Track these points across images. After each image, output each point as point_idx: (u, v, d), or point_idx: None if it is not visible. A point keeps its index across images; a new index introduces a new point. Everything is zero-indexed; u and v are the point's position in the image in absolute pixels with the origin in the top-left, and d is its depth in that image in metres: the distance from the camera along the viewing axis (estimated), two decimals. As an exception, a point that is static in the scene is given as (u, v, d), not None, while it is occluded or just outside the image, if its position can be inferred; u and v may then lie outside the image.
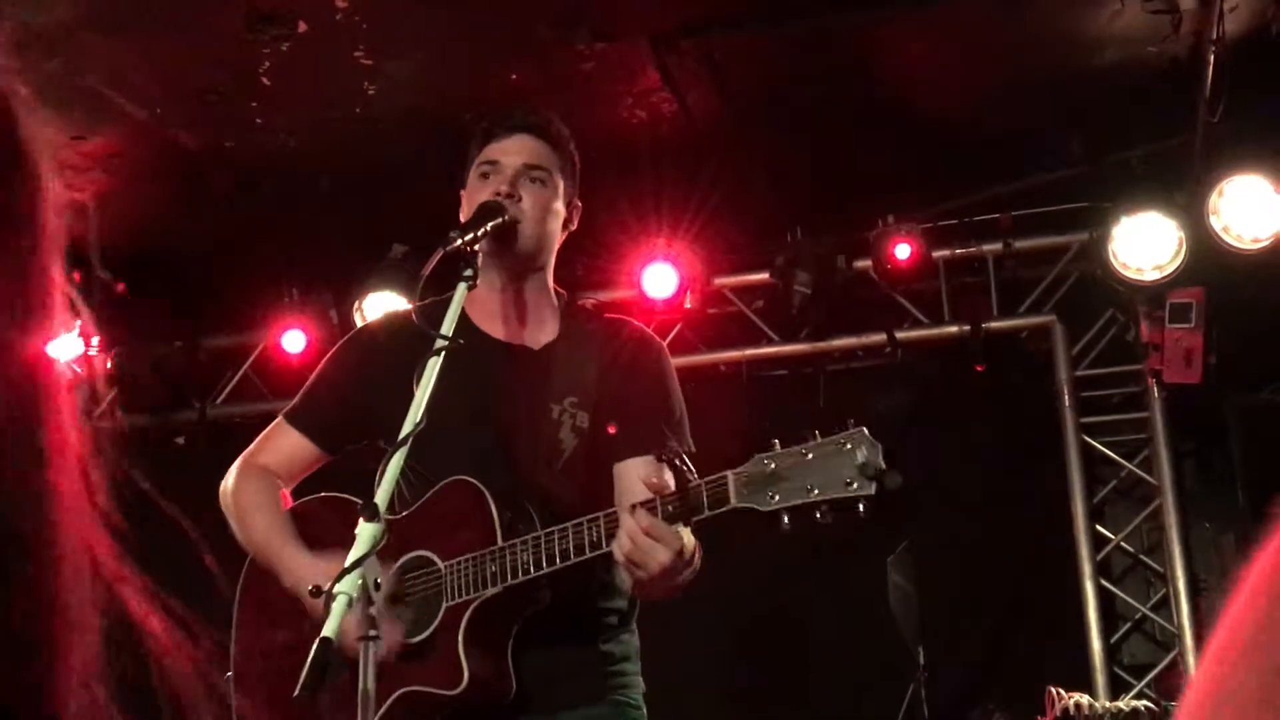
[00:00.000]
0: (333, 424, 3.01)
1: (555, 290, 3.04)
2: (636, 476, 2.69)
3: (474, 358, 2.82)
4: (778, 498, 2.27)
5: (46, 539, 0.66)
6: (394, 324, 3.05)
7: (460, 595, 2.66)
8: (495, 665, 2.67)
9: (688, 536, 2.49)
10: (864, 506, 2.26)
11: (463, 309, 2.87)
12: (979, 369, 6.35)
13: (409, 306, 3.36)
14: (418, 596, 2.72)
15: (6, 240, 0.66)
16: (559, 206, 2.96)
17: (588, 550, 2.54)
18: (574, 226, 3.05)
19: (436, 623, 2.67)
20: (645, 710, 2.92)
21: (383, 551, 2.76)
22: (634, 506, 2.46)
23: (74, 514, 0.69)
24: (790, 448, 2.30)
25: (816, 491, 2.24)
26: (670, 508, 2.42)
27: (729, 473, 2.35)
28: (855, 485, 2.23)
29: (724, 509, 2.36)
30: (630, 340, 2.98)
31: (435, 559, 2.73)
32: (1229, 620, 0.60)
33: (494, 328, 2.98)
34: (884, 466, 2.24)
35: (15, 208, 0.66)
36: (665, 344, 3.11)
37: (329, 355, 3.12)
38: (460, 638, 2.62)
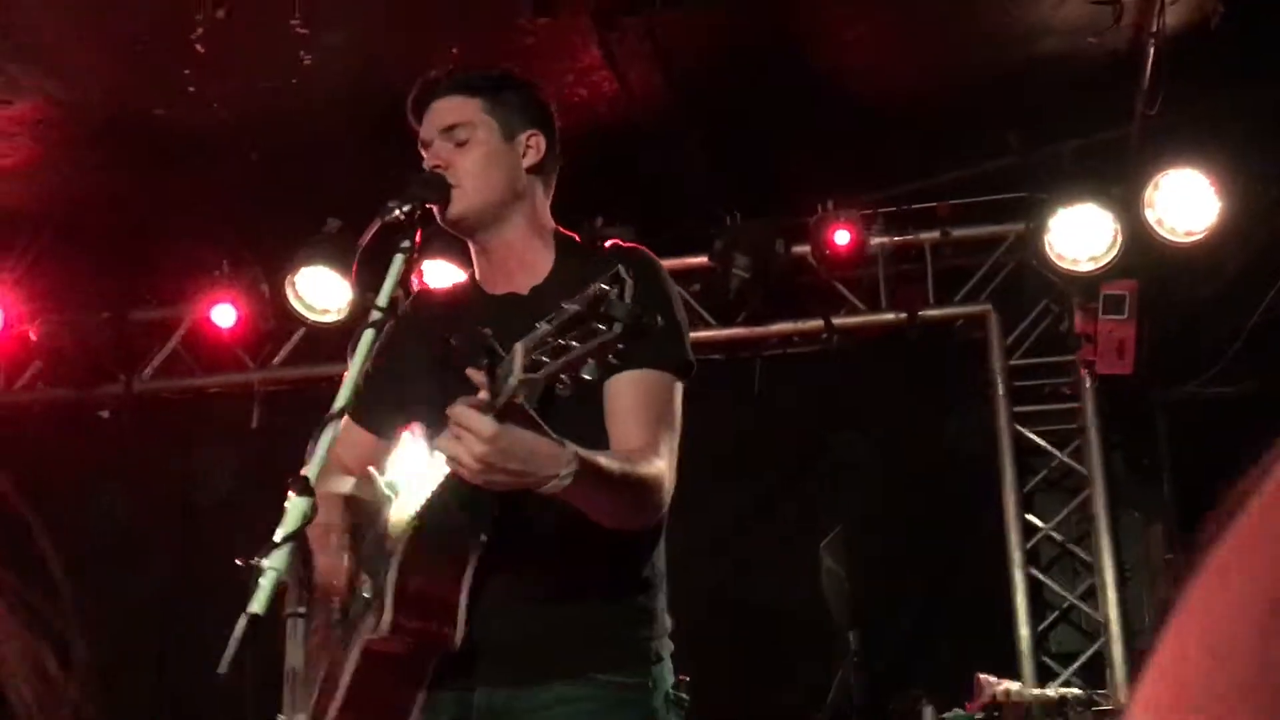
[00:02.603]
0: (382, 409, 2.83)
1: (557, 232, 2.90)
2: (621, 393, 2.60)
3: (471, 315, 2.76)
4: (547, 359, 2.15)
5: None
6: (422, 302, 2.97)
7: (395, 538, 2.57)
8: (437, 610, 2.54)
9: (503, 430, 2.28)
10: (613, 351, 2.15)
11: (470, 273, 2.88)
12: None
13: (433, 288, 3.26)
14: (378, 550, 2.63)
15: None
16: (499, 148, 2.81)
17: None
18: (539, 156, 2.86)
19: (383, 571, 2.57)
20: (653, 683, 2.68)
21: (373, 510, 2.69)
22: (459, 400, 2.31)
23: None
24: (563, 306, 2.18)
25: (576, 344, 2.13)
26: (485, 398, 2.27)
27: (518, 344, 2.21)
28: (605, 329, 2.11)
29: (513, 384, 2.20)
30: (619, 260, 2.83)
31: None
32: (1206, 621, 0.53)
33: (491, 284, 2.88)
34: (626, 303, 2.11)
35: None
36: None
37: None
38: (390, 580, 2.51)
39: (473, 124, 2.80)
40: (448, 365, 2.78)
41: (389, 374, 2.87)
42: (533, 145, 2.86)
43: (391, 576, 2.51)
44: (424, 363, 2.80)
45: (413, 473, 2.61)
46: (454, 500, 2.46)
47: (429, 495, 2.48)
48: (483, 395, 2.26)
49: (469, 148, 2.78)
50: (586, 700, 2.61)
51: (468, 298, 2.90)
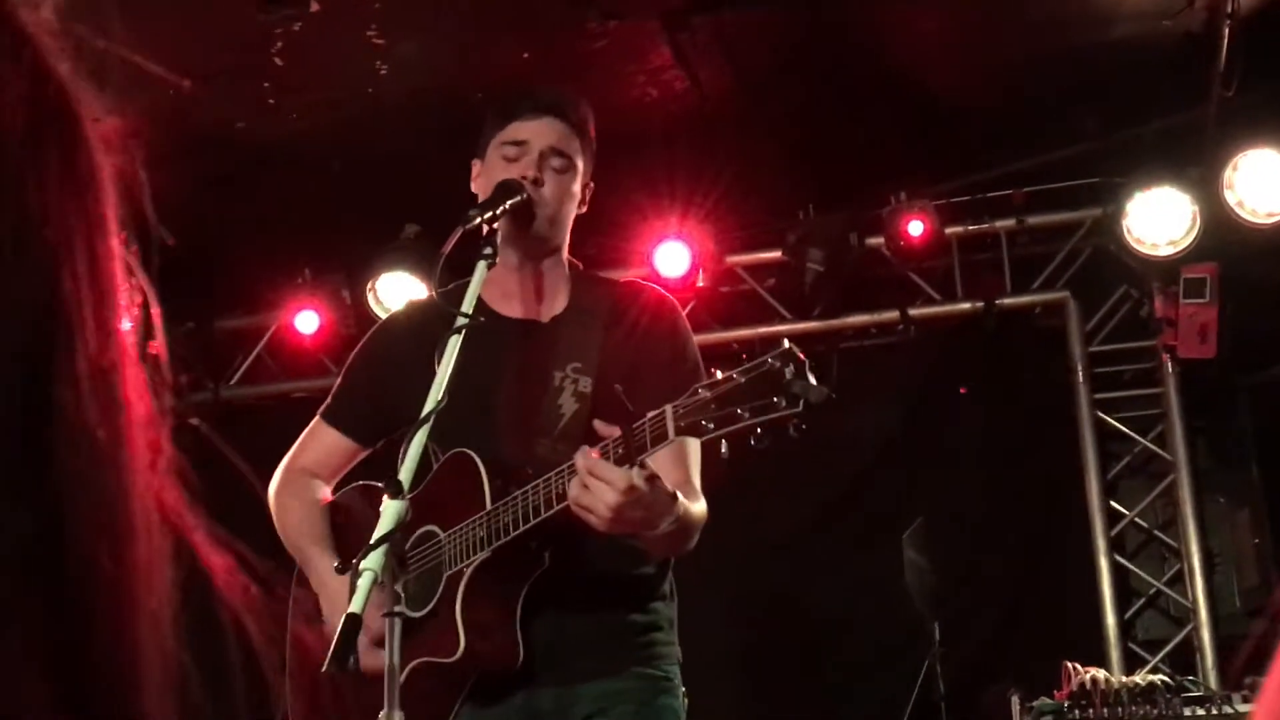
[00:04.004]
0: (365, 416, 3.04)
1: (570, 262, 3.06)
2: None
3: (486, 337, 2.83)
4: (713, 425, 2.26)
5: (124, 531, 0.65)
6: (415, 311, 3.09)
7: (457, 564, 2.70)
8: (498, 632, 2.67)
9: (643, 481, 2.41)
10: (793, 424, 2.24)
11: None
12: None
13: (429, 293, 3.38)
14: (423, 570, 2.76)
15: (80, 213, 0.65)
16: (576, 189, 2.98)
17: (556, 502, 2.53)
18: (585, 208, 3.06)
19: (439, 594, 2.70)
20: (678, 680, 2.89)
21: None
22: (582, 450, 2.45)
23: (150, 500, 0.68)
24: (724, 374, 2.29)
25: (748, 415, 2.22)
26: (619, 449, 2.39)
27: (668, 406, 2.34)
28: (784, 404, 2.20)
29: (665, 443, 2.34)
30: (642, 304, 2.98)
31: (438, 532, 2.76)
32: None
33: (507, 306, 3.00)
34: (811, 382, 2.21)
35: (81, 177, 0.66)
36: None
37: (356, 349, 3.16)
38: (458, 605, 2.65)
39: (574, 159, 2.95)
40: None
41: (375, 381, 2.98)
42: (588, 192, 3.05)
43: (459, 601, 2.63)
44: (420, 370, 2.80)
45: (453, 500, 2.71)
46: (527, 527, 2.58)
47: (507, 526, 2.57)
48: (608, 445, 2.41)
49: (566, 177, 2.93)
50: (633, 692, 2.80)
51: (477, 315, 2.90)
